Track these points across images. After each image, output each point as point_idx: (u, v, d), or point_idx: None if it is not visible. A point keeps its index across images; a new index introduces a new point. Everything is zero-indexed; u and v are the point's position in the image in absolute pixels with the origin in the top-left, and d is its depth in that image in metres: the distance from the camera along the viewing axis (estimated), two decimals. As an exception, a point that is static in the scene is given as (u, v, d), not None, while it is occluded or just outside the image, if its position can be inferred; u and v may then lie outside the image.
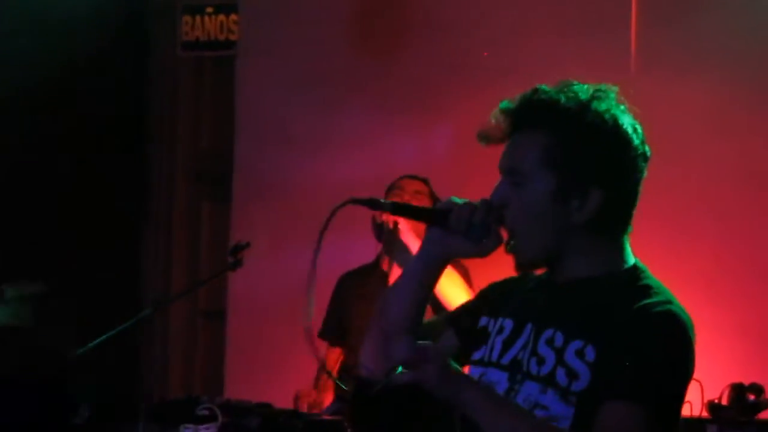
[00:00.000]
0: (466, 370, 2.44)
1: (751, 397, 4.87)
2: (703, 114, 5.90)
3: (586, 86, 2.39)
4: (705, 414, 4.89)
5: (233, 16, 7.04)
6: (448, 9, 6.41)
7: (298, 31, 6.64)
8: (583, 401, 2.29)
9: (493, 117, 2.40)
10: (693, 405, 4.94)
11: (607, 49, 6.00)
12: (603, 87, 2.39)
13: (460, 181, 5.89)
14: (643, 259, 2.46)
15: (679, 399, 2.34)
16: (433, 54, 6.36)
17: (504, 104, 2.40)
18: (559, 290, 2.41)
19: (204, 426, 4.88)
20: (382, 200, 2.42)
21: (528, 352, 2.37)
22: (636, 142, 2.37)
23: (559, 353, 2.32)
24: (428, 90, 6.32)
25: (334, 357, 5.28)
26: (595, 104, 2.36)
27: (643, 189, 2.41)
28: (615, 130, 2.35)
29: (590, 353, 2.30)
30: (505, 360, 2.40)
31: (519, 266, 2.43)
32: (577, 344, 2.31)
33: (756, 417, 4.86)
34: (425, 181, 5.15)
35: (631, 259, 2.43)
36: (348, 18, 6.59)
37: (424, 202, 4.95)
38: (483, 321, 2.49)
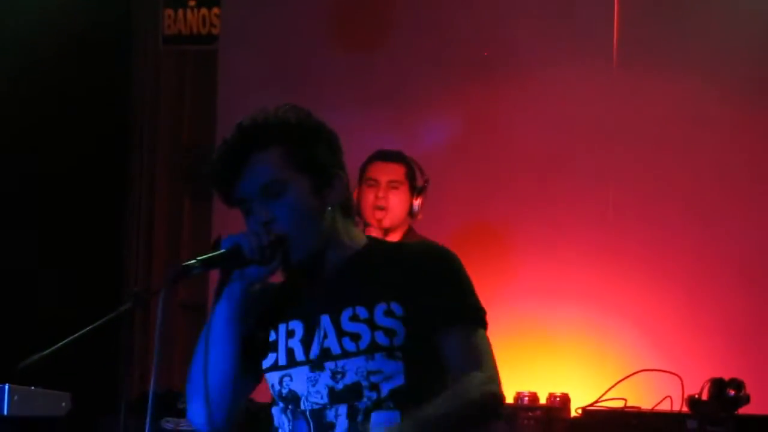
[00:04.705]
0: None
1: (731, 392, 4.88)
2: (684, 107, 5.91)
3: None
4: (685, 409, 4.90)
5: (215, 10, 7.03)
6: (430, 3, 6.41)
7: (280, 25, 6.64)
8: (408, 352, 2.50)
9: (221, 155, 2.71)
10: (673, 400, 4.96)
11: (589, 43, 6.01)
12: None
13: (442, 174, 5.91)
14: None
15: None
16: (415, 47, 6.36)
17: (228, 147, 2.71)
18: (334, 274, 2.60)
19: (185, 419, 4.87)
20: (191, 263, 2.53)
21: (333, 337, 2.53)
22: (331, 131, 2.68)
23: (370, 322, 2.51)
24: (411, 84, 6.32)
25: None
26: (296, 111, 2.64)
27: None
28: (323, 125, 2.67)
29: (397, 309, 2.52)
30: (314, 355, 2.56)
31: (297, 263, 2.57)
32: (381, 307, 2.52)
33: (736, 412, 4.87)
34: (399, 157, 5.03)
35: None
36: (330, 12, 6.58)
37: (402, 191, 4.94)
38: (261, 331, 2.64)
